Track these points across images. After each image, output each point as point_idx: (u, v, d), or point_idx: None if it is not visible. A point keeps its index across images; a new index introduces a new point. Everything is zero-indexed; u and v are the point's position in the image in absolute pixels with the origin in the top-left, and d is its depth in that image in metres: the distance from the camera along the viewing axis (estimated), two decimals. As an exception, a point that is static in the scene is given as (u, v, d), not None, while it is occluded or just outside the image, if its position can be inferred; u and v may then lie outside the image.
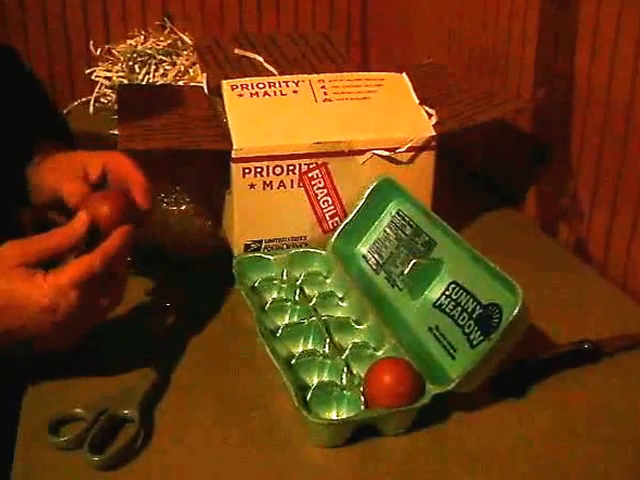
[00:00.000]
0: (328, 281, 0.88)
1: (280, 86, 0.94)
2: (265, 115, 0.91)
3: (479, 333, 0.69)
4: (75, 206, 0.78)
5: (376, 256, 0.87)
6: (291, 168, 0.89)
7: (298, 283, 0.85)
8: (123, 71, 1.42)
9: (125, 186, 0.79)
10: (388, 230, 0.87)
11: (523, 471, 0.65)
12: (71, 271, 0.68)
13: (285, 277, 0.86)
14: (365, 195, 0.90)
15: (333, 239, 0.90)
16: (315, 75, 0.97)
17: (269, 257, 0.89)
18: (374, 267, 0.87)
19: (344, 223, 0.91)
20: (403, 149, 0.92)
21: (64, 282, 0.67)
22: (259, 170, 0.88)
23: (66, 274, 0.68)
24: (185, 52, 1.43)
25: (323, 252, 0.90)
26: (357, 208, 0.90)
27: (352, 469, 0.65)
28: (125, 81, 1.40)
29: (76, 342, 0.73)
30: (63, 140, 0.94)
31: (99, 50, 1.44)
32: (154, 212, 0.94)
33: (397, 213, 0.87)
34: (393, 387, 0.67)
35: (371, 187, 0.89)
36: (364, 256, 0.89)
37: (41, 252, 0.70)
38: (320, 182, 0.91)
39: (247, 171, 0.88)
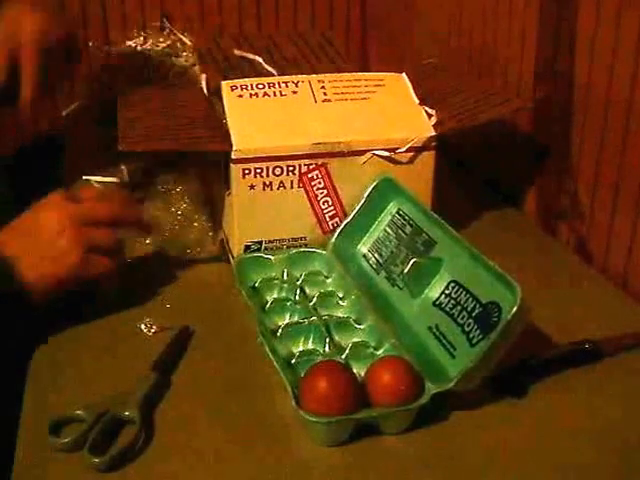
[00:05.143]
0: (328, 281, 0.88)
1: (280, 86, 0.94)
2: (265, 116, 0.91)
3: (478, 332, 0.69)
4: None
5: (377, 255, 0.87)
6: (291, 169, 0.89)
7: (298, 283, 0.85)
8: (123, 72, 1.41)
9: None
10: (388, 229, 0.87)
11: (523, 471, 0.65)
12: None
13: (285, 277, 0.86)
14: (365, 194, 0.90)
15: (334, 239, 0.90)
16: (315, 75, 0.97)
17: (269, 257, 0.89)
18: (374, 266, 0.87)
19: (344, 223, 0.91)
20: (403, 149, 0.92)
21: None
22: (259, 171, 0.88)
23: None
24: (184, 53, 1.42)
25: (323, 252, 0.90)
26: (357, 207, 0.90)
27: (351, 468, 0.65)
28: (125, 82, 1.40)
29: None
30: None
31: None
32: (154, 213, 0.95)
33: (397, 212, 0.87)
34: (393, 386, 0.67)
35: (371, 186, 0.89)
36: (365, 255, 0.89)
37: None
38: (320, 183, 0.91)
39: (247, 172, 0.88)
